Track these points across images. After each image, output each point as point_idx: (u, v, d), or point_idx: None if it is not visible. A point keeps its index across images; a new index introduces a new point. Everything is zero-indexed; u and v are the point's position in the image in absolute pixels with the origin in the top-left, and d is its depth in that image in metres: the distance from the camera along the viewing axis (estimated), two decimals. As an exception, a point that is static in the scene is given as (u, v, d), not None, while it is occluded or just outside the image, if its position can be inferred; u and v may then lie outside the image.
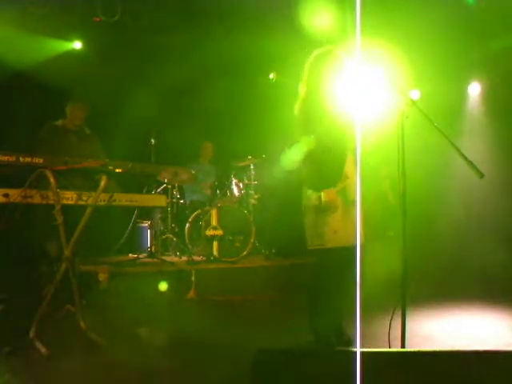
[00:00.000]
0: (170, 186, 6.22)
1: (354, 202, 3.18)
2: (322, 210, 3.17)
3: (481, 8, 5.81)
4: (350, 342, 3.33)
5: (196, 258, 5.95)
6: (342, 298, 3.28)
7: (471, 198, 5.93)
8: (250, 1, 6.43)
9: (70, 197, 3.29)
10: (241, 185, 6.47)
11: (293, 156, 3.33)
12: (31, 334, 3.17)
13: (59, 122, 4.75)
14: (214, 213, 5.91)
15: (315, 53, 3.37)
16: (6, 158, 3.04)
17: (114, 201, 3.45)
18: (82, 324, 3.42)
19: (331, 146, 3.20)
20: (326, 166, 3.19)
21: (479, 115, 6.79)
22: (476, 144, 4.53)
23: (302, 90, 3.40)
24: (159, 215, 6.35)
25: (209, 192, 6.53)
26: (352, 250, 3.11)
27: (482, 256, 4.38)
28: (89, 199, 3.33)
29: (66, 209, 3.25)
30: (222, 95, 6.58)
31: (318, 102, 3.30)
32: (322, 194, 3.15)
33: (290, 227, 3.42)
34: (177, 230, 6.33)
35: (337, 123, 3.24)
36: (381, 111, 3.78)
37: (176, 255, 6.27)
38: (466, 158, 2.84)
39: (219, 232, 5.88)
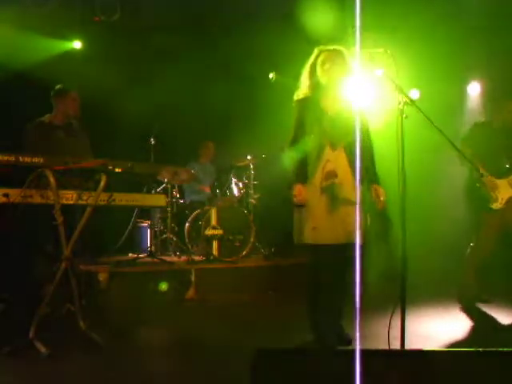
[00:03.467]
0: (169, 186, 6.22)
1: (347, 201, 3.18)
2: (295, 205, 3.24)
3: (481, 8, 5.81)
4: (350, 341, 3.33)
5: (196, 257, 5.95)
6: (336, 297, 3.29)
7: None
8: (250, 1, 6.43)
9: (69, 196, 3.29)
10: (240, 184, 6.47)
11: (292, 156, 3.33)
12: (31, 334, 3.17)
13: (45, 118, 4.55)
14: (213, 212, 5.91)
15: (316, 51, 3.37)
16: (5, 158, 3.04)
17: (114, 200, 3.45)
18: (82, 324, 3.42)
19: (314, 144, 3.23)
20: (304, 163, 3.25)
21: (479, 115, 6.78)
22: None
23: (302, 87, 3.40)
24: (159, 215, 6.35)
25: (208, 192, 6.53)
26: (339, 248, 3.13)
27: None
28: (89, 199, 3.33)
29: (65, 208, 3.25)
30: (221, 95, 6.58)
31: (317, 102, 3.31)
32: (293, 188, 3.21)
33: (289, 227, 3.43)
34: (176, 229, 6.33)
35: (333, 122, 3.24)
36: (380, 111, 3.78)
37: (176, 255, 6.27)
38: (465, 157, 2.86)
39: (219, 232, 5.88)
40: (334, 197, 3.20)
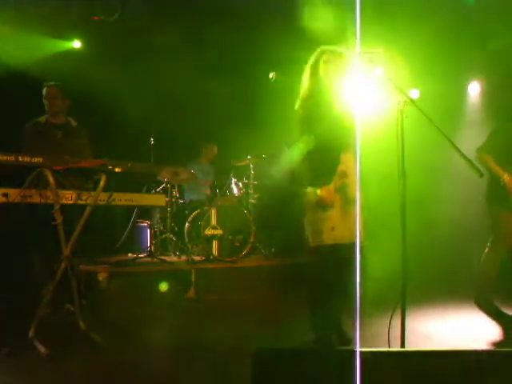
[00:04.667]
0: (169, 186, 6.21)
1: (354, 201, 3.19)
2: (320, 206, 3.18)
3: (480, 8, 5.81)
4: (350, 341, 3.33)
5: (195, 257, 5.94)
6: (342, 297, 3.29)
7: (471, 197, 5.93)
8: (251, 0, 6.42)
9: (69, 196, 3.29)
10: (240, 184, 6.47)
11: (292, 155, 3.33)
12: (30, 334, 3.17)
13: (42, 118, 4.52)
14: (213, 212, 5.91)
15: (318, 51, 3.36)
16: (5, 158, 3.04)
17: (114, 200, 3.45)
18: (82, 324, 3.42)
19: (329, 144, 3.21)
20: (323, 164, 3.21)
21: (479, 114, 6.78)
22: (475, 143, 4.52)
23: (304, 88, 3.39)
24: (159, 215, 6.35)
25: (208, 192, 6.53)
26: (351, 247, 3.13)
27: (481, 255, 4.39)
28: (88, 199, 3.33)
29: (65, 208, 3.24)
30: (221, 95, 6.58)
31: (320, 101, 3.30)
32: (319, 190, 3.16)
33: (289, 227, 3.43)
34: (176, 229, 6.33)
35: (337, 122, 3.24)
36: (380, 110, 3.78)
37: (175, 255, 6.27)
38: (465, 157, 2.85)
39: (219, 232, 5.88)
40: (346, 197, 3.21)
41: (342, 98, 3.30)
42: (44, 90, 4.54)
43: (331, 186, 3.18)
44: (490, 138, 4.33)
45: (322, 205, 3.17)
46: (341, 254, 3.17)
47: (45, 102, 4.53)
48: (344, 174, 3.23)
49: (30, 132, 4.44)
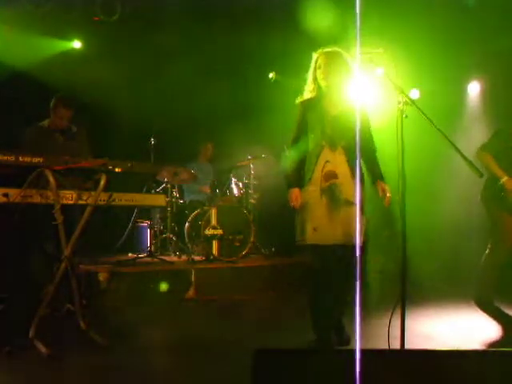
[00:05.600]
0: (169, 186, 6.22)
1: (347, 202, 3.19)
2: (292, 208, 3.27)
3: (480, 8, 5.81)
4: (350, 341, 3.33)
5: (195, 257, 5.95)
6: (337, 297, 3.29)
7: (470, 197, 5.94)
8: (250, 0, 6.43)
9: (69, 196, 3.29)
10: (240, 184, 6.48)
11: (292, 156, 3.34)
12: (31, 334, 3.17)
13: (45, 123, 4.55)
14: (213, 212, 5.91)
15: (314, 55, 3.37)
16: (5, 158, 3.04)
17: (114, 200, 3.45)
18: (82, 324, 3.42)
19: (313, 146, 3.25)
20: (300, 165, 3.29)
21: (479, 114, 6.78)
22: (475, 143, 4.52)
23: (305, 91, 3.40)
24: (159, 215, 6.35)
25: (208, 191, 6.53)
26: (339, 248, 3.14)
27: (481, 255, 4.39)
28: (88, 199, 3.33)
29: (65, 208, 3.25)
30: (221, 95, 6.59)
31: (316, 106, 3.31)
32: (289, 192, 3.25)
33: (289, 226, 3.43)
34: (176, 229, 6.33)
35: (331, 125, 3.25)
36: (380, 111, 3.78)
37: (176, 255, 6.27)
38: (465, 158, 2.85)
39: (219, 231, 5.88)
40: (334, 198, 3.20)
41: (341, 99, 3.31)
42: (59, 110, 4.50)
43: (298, 190, 3.23)
44: (492, 138, 4.32)
45: (291, 206, 3.25)
46: (323, 255, 3.18)
47: (55, 116, 4.50)
48: (332, 175, 3.22)
49: (31, 135, 4.45)
